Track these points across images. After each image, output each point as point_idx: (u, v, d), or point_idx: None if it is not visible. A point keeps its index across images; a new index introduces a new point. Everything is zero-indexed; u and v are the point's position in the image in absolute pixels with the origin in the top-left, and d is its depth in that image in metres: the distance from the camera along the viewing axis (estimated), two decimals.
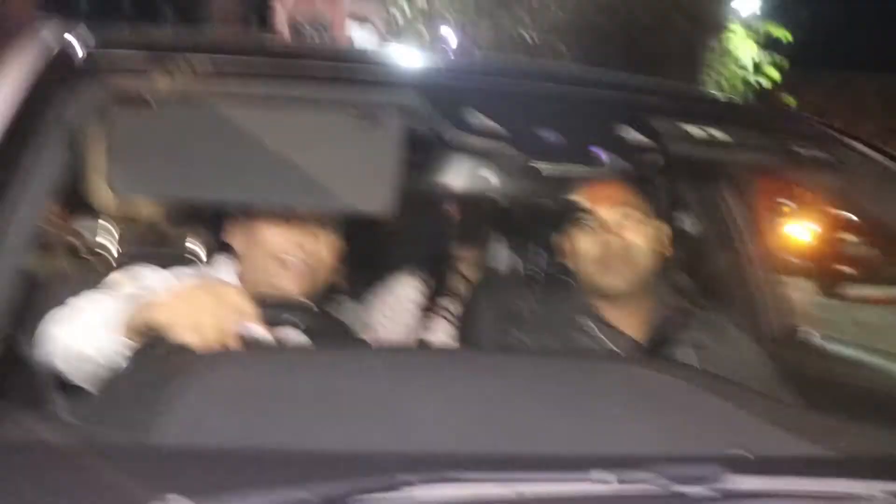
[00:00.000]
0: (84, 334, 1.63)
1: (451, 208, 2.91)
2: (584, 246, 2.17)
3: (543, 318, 2.21)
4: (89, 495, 1.00)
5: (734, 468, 1.07)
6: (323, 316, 1.91)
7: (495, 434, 1.23)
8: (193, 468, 1.07)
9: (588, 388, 1.33)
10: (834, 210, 10.81)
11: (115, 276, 1.95)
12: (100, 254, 2.45)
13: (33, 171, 1.43)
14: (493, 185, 1.81)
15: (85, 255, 2.45)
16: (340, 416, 1.22)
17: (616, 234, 2.13)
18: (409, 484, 0.99)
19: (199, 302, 1.52)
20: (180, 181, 1.55)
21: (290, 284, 1.96)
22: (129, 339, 1.55)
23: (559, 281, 2.27)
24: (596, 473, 1.05)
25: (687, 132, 1.77)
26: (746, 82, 20.34)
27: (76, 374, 1.65)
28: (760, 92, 20.35)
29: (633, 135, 1.73)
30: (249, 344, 1.47)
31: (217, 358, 1.32)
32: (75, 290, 1.78)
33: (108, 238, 2.45)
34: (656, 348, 2.15)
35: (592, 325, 2.19)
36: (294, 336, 1.79)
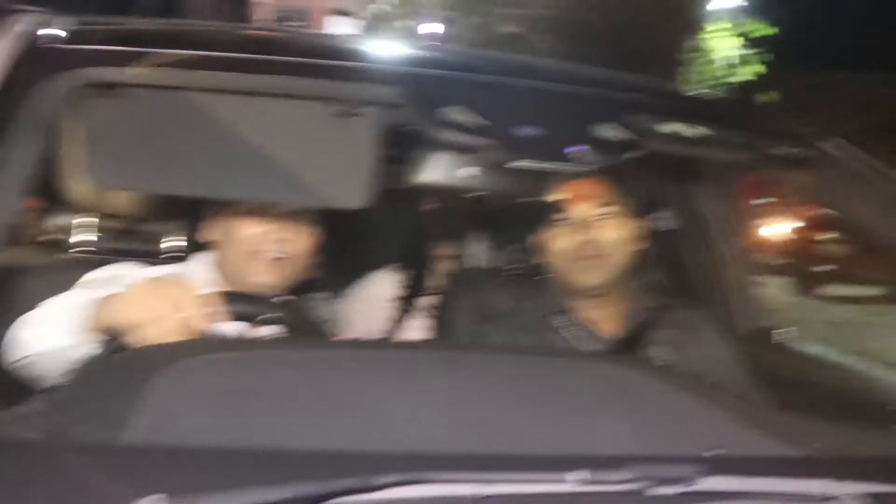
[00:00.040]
0: (49, 337, 1.62)
1: (428, 204, 2.90)
2: (559, 243, 2.17)
3: (519, 315, 2.21)
4: (66, 495, 0.99)
5: (710, 469, 1.07)
6: (297, 311, 1.89)
7: (471, 434, 1.22)
8: (167, 467, 1.06)
9: (563, 387, 1.33)
10: (809, 209, 10.87)
11: (90, 276, 1.95)
12: (77, 250, 2.43)
13: (7, 163, 1.41)
14: (470, 181, 1.80)
15: (62, 251, 2.43)
16: (315, 414, 1.21)
17: (591, 232, 2.13)
18: (386, 485, 0.98)
19: (151, 300, 1.52)
20: (156, 174, 1.54)
21: (266, 279, 1.96)
22: (93, 338, 1.55)
23: (535, 278, 2.27)
24: (572, 474, 1.04)
25: (664, 129, 1.77)
26: (724, 80, 20.44)
27: (44, 376, 1.64)
28: (740, 88, 20.44)
29: (609, 131, 1.72)
30: (218, 340, 1.46)
31: (191, 354, 1.30)
32: (51, 288, 1.77)
33: (85, 233, 2.43)
34: (631, 346, 2.16)
35: (568, 323, 2.19)
36: (268, 332, 1.78)
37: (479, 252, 2.83)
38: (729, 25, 20.57)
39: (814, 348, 2.48)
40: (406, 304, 3.03)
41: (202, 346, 1.43)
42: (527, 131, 1.66)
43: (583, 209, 2.14)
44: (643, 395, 1.33)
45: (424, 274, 3.01)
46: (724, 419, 1.28)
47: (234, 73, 1.58)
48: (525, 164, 1.63)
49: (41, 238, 2.48)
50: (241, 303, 1.71)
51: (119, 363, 1.37)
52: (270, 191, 1.60)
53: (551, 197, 2.13)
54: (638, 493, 1.05)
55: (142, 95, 1.50)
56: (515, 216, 2.30)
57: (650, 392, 1.34)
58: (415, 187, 1.67)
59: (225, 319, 1.60)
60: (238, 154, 1.52)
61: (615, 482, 1.05)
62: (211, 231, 2.03)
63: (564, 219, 2.15)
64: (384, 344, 2.16)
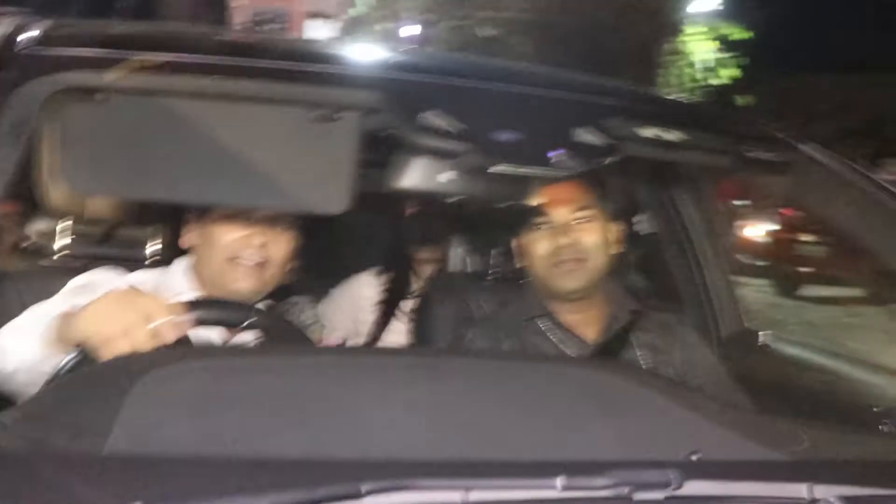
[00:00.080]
0: (20, 352, 1.61)
1: (409, 208, 2.91)
2: (539, 247, 2.17)
3: (500, 319, 2.21)
4: None
5: (693, 473, 1.07)
6: (277, 317, 1.89)
7: (454, 440, 1.22)
8: (150, 477, 1.05)
9: (545, 393, 1.33)
10: (787, 211, 10.94)
11: (72, 283, 1.94)
12: (58, 256, 2.42)
13: None
14: (450, 186, 1.80)
15: (43, 257, 2.41)
16: (298, 421, 1.21)
17: (571, 236, 2.14)
18: (371, 492, 0.98)
19: (118, 313, 1.52)
20: (136, 180, 1.53)
21: (246, 284, 1.96)
22: (64, 352, 1.54)
23: (515, 282, 2.27)
24: (556, 480, 1.04)
25: (643, 133, 1.77)
26: (701, 82, 20.53)
27: (19, 391, 1.63)
28: (715, 91, 20.54)
29: (588, 136, 1.72)
30: (199, 347, 1.45)
31: (172, 363, 1.30)
32: (32, 294, 1.76)
33: (66, 239, 2.42)
34: (612, 349, 2.16)
35: (547, 327, 2.19)
36: (249, 338, 1.77)
37: (460, 256, 2.83)
38: (705, 29, 20.67)
39: (795, 350, 2.49)
40: (388, 306, 3.03)
41: (183, 355, 1.42)
42: (505, 135, 1.66)
43: (561, 213, 2.14)
44: (625, 400, 1.33)
45: (406, 277, 3.01)
46: (705, 423, 1.28)
47: (214, 78, 1.57)
48: (504, 168, 1.63)
49: (22, 244, 2.46)
50: (220, 309, 1.70)
51: (100, 372, 1.36)
52: (250, 196, 1.59)
53: (530, 201, 2.13)
54: (621, 498, 1.05)
55: (121, 100, 1.49)
56: (495, 221, 2.30)
57: (632, 397, 1.34)
58: (395, 192, 1.67)
59: (193, 327, 1.59)
60: (217, 159, 1.51)
61: (598, 487, 1.05)
62: (191, 236, 2.02)
63: (544, 223, 2.15)
64: (366, 351, 2.15)
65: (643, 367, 2.14)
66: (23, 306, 1.74)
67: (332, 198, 1.52)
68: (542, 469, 1.07)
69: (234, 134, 1.52)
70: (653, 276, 2.72)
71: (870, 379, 2.16)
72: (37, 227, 2.44)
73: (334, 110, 1.54)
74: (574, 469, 1.07)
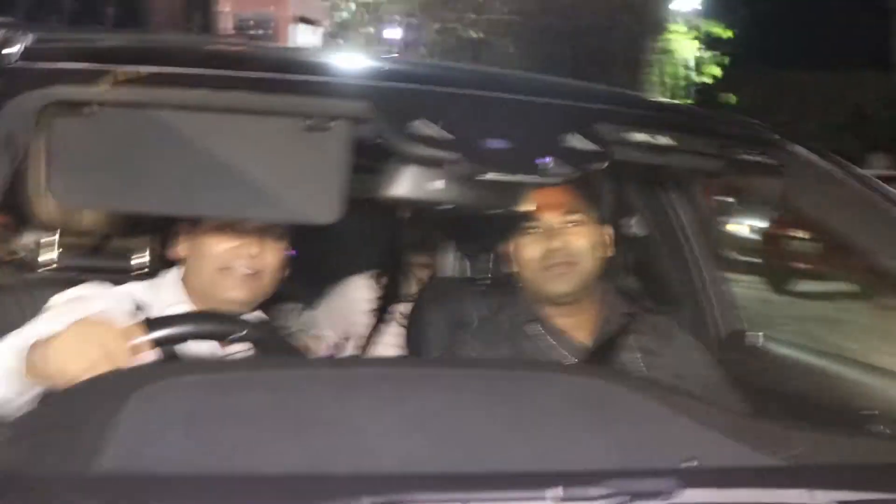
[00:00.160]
0: None
1: (401, 215, 2.90)
2: (529, 252, 2.17)
3: (492, 324, 2.21)
4: None
5: (687, 481, 1.07)
6: (268, 329, 1.89)
7: (448, 452, 1.21)
8: (142, 497, 1.04)
9: (538, 402, 1.32)
10: (779, 210, 10.97)
11: (59, 298, 1.93)
12: (46, 269, 2.40)
13: None
14: (439, 193, 1.80)
15: (31, 270, 2.40)
16: (291, 436, 1.20)
17: (560, 240, 2.14)
18: None
19: (80, 346, 1.51)
20: (125, 192, 1.52)
21: (237, 295, 1.95)
22: (30, 388, 1.54)
23: (507, 287, 2.27)
24: (550, 491, 1.04)
25: (632, 137, 1.77)
26: (688, 80, 20.59)
27: None
28: (701, 90, 20.59)
29: (578, 141, 1.72)
30: (190, 362, 1.44)
31: (162, 378, 1.29)
32: (19, 307, 1.75)
33: (54, 252, 2.40)
34: (604, 353, 2.16)
35: (540, 331, 2.19)
36: (239, 351, 1.77)
37: (452, 262, 2.83)
38: (685, 29, 20.74)
39: (791, 351, 2.50)
40: (382, 310, 3.03)
41: (175, 370, 1.42)
42: (495, 142, 1.66)
43: (551, 217, 2.14)
44: (620, 408, 1.32)
45: (400, 281, 3.01)
46: (701, 429, 1.28)
47: (202, 90, 1.56)
48: (493, 175, 1.63)
49: (9, 257, 2.45)
50: (210, 322, 1.70)
51: (89, 389, 1.35)
52: (242, 207, 1.58)
53: (521, 206, 2.13)
54: None
55: (111, 113, 1.48)
56: (486, 226, 2.30)
57: (627, 404, 1.33)
58: (385, 200, 1.67)
59: (151, 349, 1.58)
60: (209, 171, 1.51)
61: (595, 498, 1.05)
62: (181, 247, 2.02)
63: (534, 227, 2.15)
64: (360, 362, 2.14)
65: (637, 369, 2.14)
66: (9, 320, 1.73)
67: (324, 208, 1.51)
68: (538, 480, 1.07)
69: (224, 145, 1.51)
70: (646, 279, 2.72)
71: (865, 380, 2.16)
72: (27, 239, 2.42)
73: (325, 120, 1.54)
74: (570, 479, 1.06)
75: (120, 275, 2.17)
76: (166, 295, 2.01)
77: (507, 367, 1.66)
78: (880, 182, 1.93)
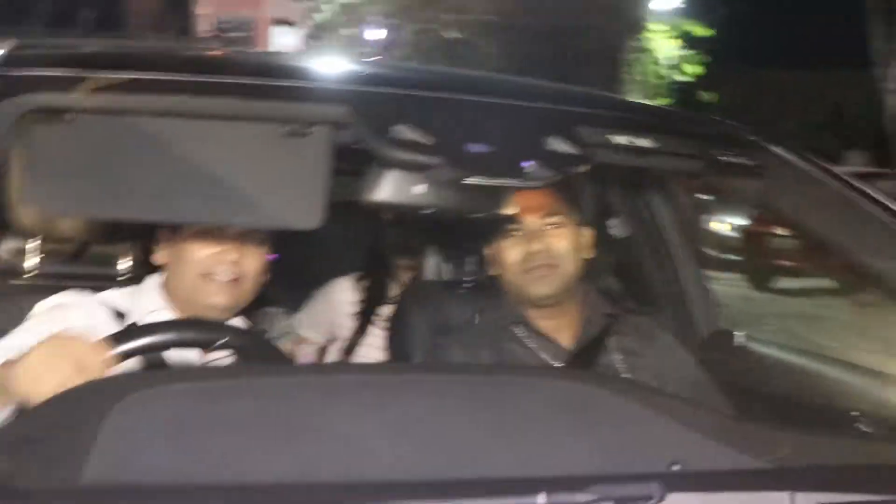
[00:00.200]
0: None
1: (383, 218, 2.90)
2: (510, 254, 2.17)
3: (476, 327, 2.21)
4: None
5: (673, 485, 1.07)
6: (251, 336, 1.88)
7: (432, 459, 1.21)
8: None
9: (522, 407, 1.32)
10: (758, 209, 11.03)
11: (41, 306, 1.92)
12: (28, 276, 2.39)
13: None
14: (421, 197, 1.80)
15: (13, 277, 2.39)
16: (277, 444, 1.19)
17: (541, 242, 2.14)
18: None
19: (52, 364, 1.49)
20: (106, 199, 1.51)
21: (219, 300, 1.95)
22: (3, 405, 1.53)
23: (489, 290, 2.27)
24: (535, 497, 1.04)
25: (613, 140, 1.78)
26: (667, 79, 20.65)
27: None
28: (681, 88, 20.66)
29: (559, 144, 1.72)
30: (175, 370, 1.44)
31: (146, 386, 1.28)
32: (2, 314, 1.74)
33: (36, 259, 2.39)
34: (586, 355, 2.16)
35: (523, 334, 2.19)
36: (222, 358, 1.76)
37: (434, 265, 2.83)
38: (666, 28, 20.79)
39: (770, 350, 2.51)
40: (366, 312, 3.03)
41: (160, 378, 1.41)
42: (475, 146, 1.66)
43: (532, 220, 2.14)
44: (603, 411, 1.32)
45: (384, 283, 3.01)
46: (685, 432, 1.28)
47: (181, 96, 1.56)
48: (474, 179, 1.63)
49: None
50: (193, 329, 1.69)
51: (73, 398, 1.34)
52: (223, 214, 1.57)
53: (502, 209, 2.13)
54: None
55: (90, 119, 1.48)
56: (468, 229, 2.30)
57: (610, 407, 1.33)
58: (367, 203, 1.66)
59: (121, 363, 1.58)
60: (189, 177, 1.50)
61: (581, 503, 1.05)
62: (163, 253, 2.01)
63: (515, 230, 2.15)
64: (344, 368, 2.14)
65: (619, 371, 2.14)
66: None
67: (305, 213, 1.51)
68: (523, 486, 1.07)
69: (205, 151, 1.51)
70: (627, 279, 2.73)
71: (846, 379, 2.17)
72: (8, 246, 2.41)
73: (305, 125, 1.53)
74: (555, 485, 1.06)
75: (101, 281, 2.17)
76: (147, 301, 2.00)
77: (491, 372, 1.66)
78: (857, 181, 1.94)
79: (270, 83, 1.63)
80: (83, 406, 1.27)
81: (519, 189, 2.02)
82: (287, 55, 2.76)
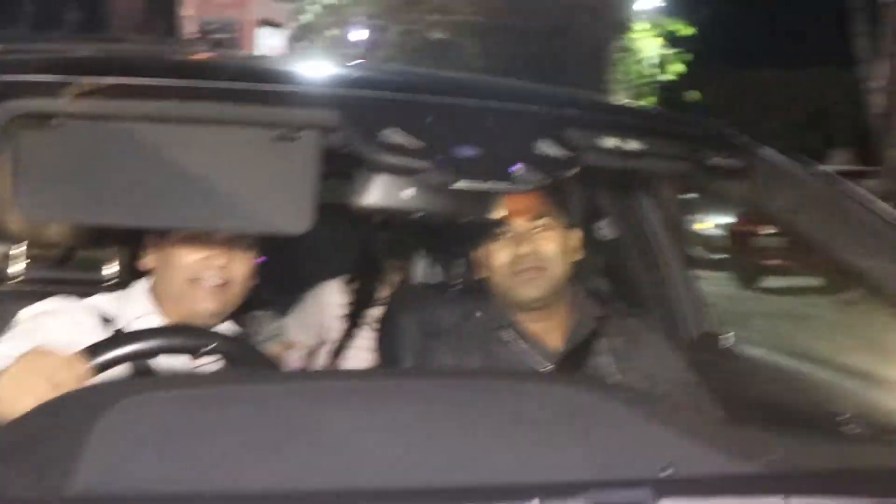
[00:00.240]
0: None
1: (372, 220, 2.90)
2: (498, 257, 2.17)
3: (464, 331, 2.21)
4: None
5: (664, 491, 1.07)
6: (239, 342, 1.87)
7: (423, 466, 1.20)
8: None
9: (512, 412, 1.32)
10: (745, 210, 11.09)
11: (27, 312, 1.91)
12: (15, 281, 2.38)
13: None
14: (409, 201, 1.80)
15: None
16: (269, 452, 1.19)
17: (529, 245, 2.14)
18: None
19: (27, 382, 1.48)
20: (93, 205, 1.51)
21: (208, 306, 1.94)
22: None
23: (479, 293, 2.27)
24: (528, 503, 1.04)
25: (599, 143, 1.78)
26: (651, 78, 20.68)
27: None
28: (666, 87, 20.70)
29: (547, 146, 1.72)
30: (163, 377, 1.43)
31: (134, 394, 1.27)
32: None
33: (22, 264, 2.38)
34: (576, 357, 2.17)
35: (512, 337, 2.20)
36: (211, 365, 1.76)
37: (422, 269, 2.83)
38: (648, 26, 20.83)
39: (759, 351, 2.51)
40: (355, 314, 3.03)
41: (148, 385, 1.40)
42: (463, 150, 1.66)
43: (520, 223, 2.15)
44: (594, 416, 1.32)
45: (373, 285, 3.01)
46: (676, 436, 1.28)
47: (169, 101, 1.55)
48: (462, 182, 1.63)
49: None
50: (173, 336, 1.68)
51: (60, 407, 1.33)
52: (211, 219, 1.57)
53: (490, 212, 2.13)
54: None
55: (77, 125, 1.47)
56: (456, 232, 2.30)
57: (601, 412, 1.33)
58: (356, 207, 1.66)
59: (99, 374, 1.57)
60: (177, 182, 1.49)
61: None
62: (150, 258, 2.00)
63: (503, 233, 2.15)
64: (335, 375, 2.13)
65: (609, 373, 2.14)
66: None
67: (294, 218, 1.51)
68: (515, 492, 1.07)
69: (193, 156, 1.50)
70: (616, 281, 2.73)
71: (836, 381, 2.18)
72: None
73: (293, 130, 1.53)
74: (547, 491, 1.06)
75: (88, 286, 2.16)
76: (134, 307, 1.99)
77: (481, 377, 1.66)
78: (842, 180, 1.95)
79: (258, 88, 1.62)
80: (72, 414, 1.26)
81: (507, 192, 2.03)
82: (274, 59, 2.75)
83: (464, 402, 1.33)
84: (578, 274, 2.26)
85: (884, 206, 1.88)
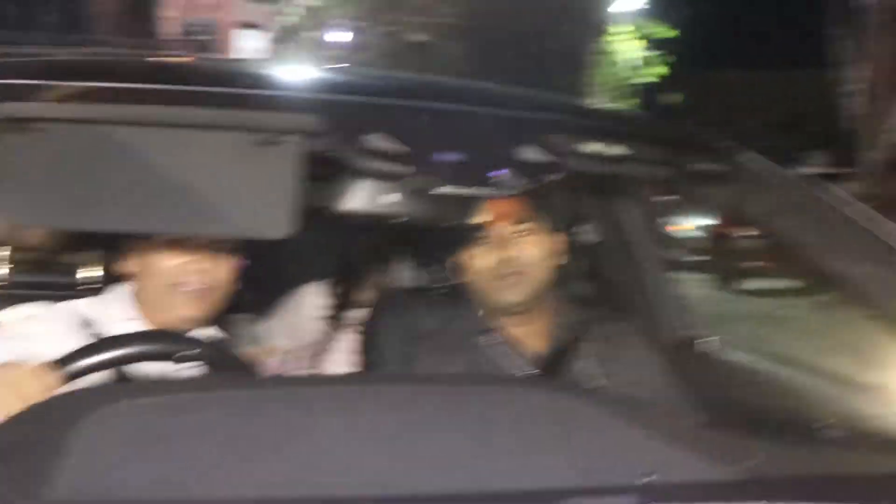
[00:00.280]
0: None
1: (354, 225, 2.89)
2: (481, 262, 2.17)
3: (445, 336, 2.21)
4: None
5: (648, 497, 1.07)
6: (219, 347, 1.87)
7: (404, 472, 1.20)
8: None
9: (494, 418, 1.31)
10: (727, 214, 11.14)
11: (2, 317, 1.90)
12: None
13: None
14: (391, 206, 1.80)
15: None
16: (251, 458, 1.18)
17: (510, 249, 2.14)
18: None
19: None
20: (73, 209, 1.50)
21: (189, 311, 1.94)
22: None
23: (461, 297, 2.27)
24: None
25: (581, 148, 1.78)
26: (627, 82, 20.75)
27: None
28: (642, 91, 20.78)
29: (527, 152, 1.73)
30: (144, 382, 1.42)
31: (112, 401, 1.26)
32: None
33: (3, 268, 2.37)
34: (558, 361, 2.17)
35: (495, 341, 2.19)
36: (192, 370, 1.75)
37: (403, 274, 2.83)
38: (631, 28, 20.91)
39: (742, 355, 2.52)
40: (334, 319, 3.02)
41: (126, 391, 1.39)
42: (445, 155, 1.66)
43: (502, 227, 2.14)
44: (576, 422, 1.32)
45: (352, 293, 3.00)
46: (658, 442, 1.28)
47: (150, 106, 1.55)
48: (444, 188, 1.63)
49: None
50: (153, 342, 1.68)
51: (36, 414, 1.32)
52: (192, 224, 1.57)
53: (472, 217, 2.13)
54: None
55: (58, 129, 1.46)
56: (438, 237, 2.30)
57: (583, 418, 1.33)
58: (339, 210, 1.66)
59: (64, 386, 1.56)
60: (158, 187, 1.49)
61: None
62: (131, 263, 1.99)
63: (484, 237, 2.15)
64: (315, 380, 2.12)
65: (591, 377, 2.14)
66: None
67: (276, 222, 1.50)
68: (498, 501, 1.07)
69: (175, 161, 1.50)
70: (599, 286, 2.73)
71: (818, 385, 2.18)
72: None
73: (276, 134, 1.53)
74: (530, 498, 1.06)
75: (70, 290, 2.15)
76: (116, 311, 1.98)
77: (464, 382, 1.65)
78: (822, 184, 1.97)
79: (241, 92, 1.62)
80: (52, 421, 1.25)
81: (489, 197, 2.03)
82: (256, 63, 2.74)
83: (445, 408, 1.33)
84: (561, 278, 2.26)
85: (863, 209, 1.89)
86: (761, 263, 10.88)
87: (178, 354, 1.69)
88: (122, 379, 1.72)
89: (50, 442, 1.15)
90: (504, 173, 1.66)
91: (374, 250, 2.94)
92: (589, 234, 2.69)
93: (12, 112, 1.46)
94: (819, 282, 2.21)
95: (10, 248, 2.39)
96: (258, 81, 1.75)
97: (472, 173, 1.64)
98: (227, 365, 1.75)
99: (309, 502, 1.10)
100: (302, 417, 1.26)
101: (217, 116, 1.56)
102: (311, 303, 3.07)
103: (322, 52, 19.15)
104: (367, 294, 2.95)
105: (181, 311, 1.93)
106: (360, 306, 2.87)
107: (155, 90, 1.57)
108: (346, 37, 19.96)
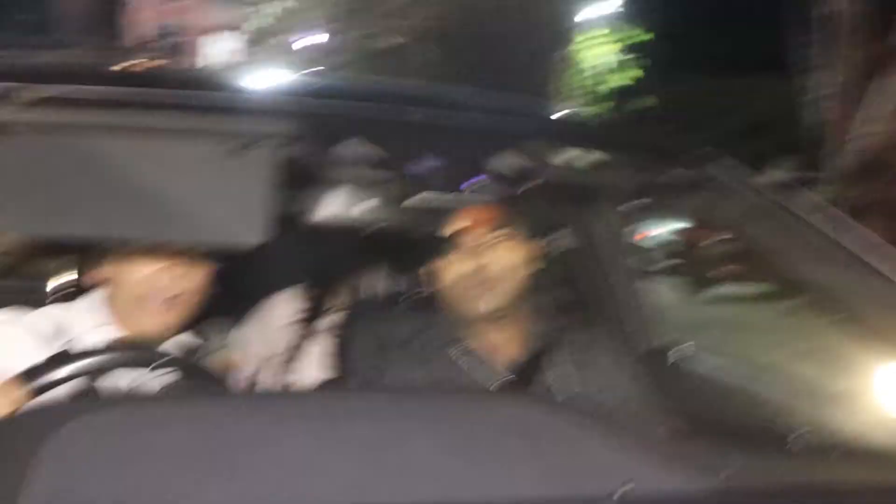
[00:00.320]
0: None
1: (326, 233, 2.88)
2: (452, 270, 2.16)
3: (418, 345, 2.20)
4: None
5: None
6: (190, 357, 1.85)
7: (376, 484, 1.19)
8: None
9: (466, 429, 1.31)
10: (698, 221, 11.20)
11: None
12: None
13: None
14: (364, 213, 1.79)
15: None
16: (221, 472, 1.17)
17: (483, 257, 2.13)
18: None
19: None
20: (43, 216, 1.49)
21: (160, 319, 1.93)
22: None
23: (434, 306, 2.26)
24: None
25: (554, 156, 1.78)
26: (593, 88, 20.85)
27: None
28: (612, 96, 20.86)
29: (501, 160, 1.72)
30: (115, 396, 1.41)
31: (83, 415, 1.25)
32: None
33: None
34: (531, 370, 2.16)
35: (468, 349, 2.19)
36: (163, 381, 1.73)
37: (376, 282, 2.82)
38: (606, 32, 20.99)
39: (714, 363, 2.53)
40: (304, 328, 3.00)
41: (97, 405, 1.38)
42: (420, 163, 1.65)
43: (474, 235, 2.14)
44: (551, 433, 1.31)
45: (325, 300, 2.99)
46: (634, 453, 1.28)
47: (122, 111, 1.53)
48: (417, 196, 1.63)
49: None
50: (120, 353, 1.67)
51: (5, 428, 1.31)
52: (164, 230, 1.55)
53: (444, 225, 2.13)
54: None
55: (27, 135, 1.45)
56: (412, 246, 2.29)
57: (558, 429, 1.33)
58: (312, 217, 1.65)
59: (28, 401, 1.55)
60: (129, 194, 1.48)
61: None
62: (102, 270, 1.97)
63: (457, 246, 2.14)
64: (286, 393, 2.11)
65: (565, 385, 2.14)
66: None
67: (249, 229, 1.49)
68: None
69: (147, 167, 1.49)
70: (572, 294, 2.74)
71: (791, 395, 2.19)
72: None
73: (249, 141, 1.52)
74: None
75: (41, 297, 2.13)
76: (87, 318, 1.96)
77: (437, 394, 1.64)
78: (790, 192, 1.98)
79: (213, 98, 1.61)
80: (18, 435, 1.23)
81: (462, 205, 2.02)
82: (229, 68, 2.74)
83: (418, 420, 1.32)
84: (534, 287, 2.25)
85: (836, 213, 1.91)
86: (732, 269, 10.95)
87: (140, 366, 1.68)
88: (91, 392, 1.71)
89: (20, 456, 1.14)
90: (477, 181, 1.66)
91: (347, 258, 2.93)
92: (562, 241, 2.69)
93: None
94: (789, 287, 2.22)
95: None
96: (231, 87, 1.73)
97: (445, 181, 1.64)
98: (191, 375, 1.73)
99: None
100: (273, 430, 1.25)
101: (190, 123, 1.55)
102: (283, 310, 3.05)
103: (295, 56, 19.10)
104: (340, 302, 2.94)
105: (154, 318, 1.92)
106: (333, 314, 2.86)
107: (126, 95, 1.56)
108: (319, 40, 19.92)
